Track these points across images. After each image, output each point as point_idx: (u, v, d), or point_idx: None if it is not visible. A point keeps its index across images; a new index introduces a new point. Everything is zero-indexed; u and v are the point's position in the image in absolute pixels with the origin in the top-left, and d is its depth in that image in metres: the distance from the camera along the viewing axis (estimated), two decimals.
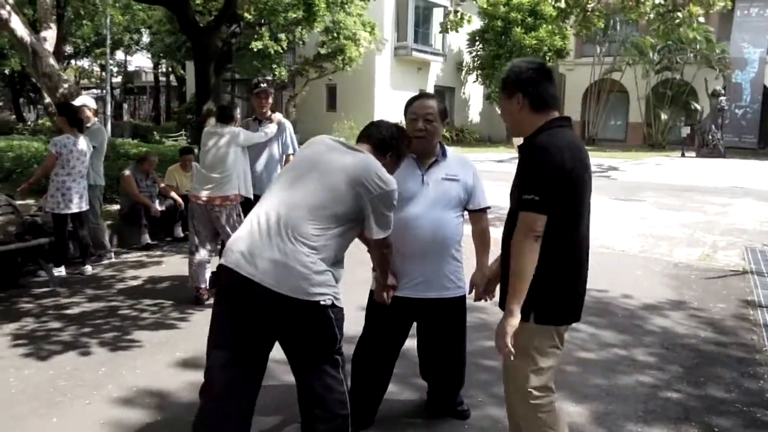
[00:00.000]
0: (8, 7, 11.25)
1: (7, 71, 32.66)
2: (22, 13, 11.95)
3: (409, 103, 3.22)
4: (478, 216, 3.30)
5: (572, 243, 2.47)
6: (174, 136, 26.18)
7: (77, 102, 7.39)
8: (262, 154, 5.96)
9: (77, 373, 3.98)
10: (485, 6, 29.58)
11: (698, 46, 29.36)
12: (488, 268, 3.16)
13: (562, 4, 12.18)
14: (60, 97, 11.22)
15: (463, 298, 3.30)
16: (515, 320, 2.36)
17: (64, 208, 6.35)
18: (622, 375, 4.13)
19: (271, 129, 5.87)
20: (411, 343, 3.60)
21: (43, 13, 12.88)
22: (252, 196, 5.70)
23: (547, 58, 29.67)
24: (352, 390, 3.28)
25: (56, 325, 4.90)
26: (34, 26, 13.26)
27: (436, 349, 3.37)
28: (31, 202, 8.73)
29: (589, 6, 12.14)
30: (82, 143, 6.49)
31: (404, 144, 2.93)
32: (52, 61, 11.62)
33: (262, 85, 6.06)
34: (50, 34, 12.50)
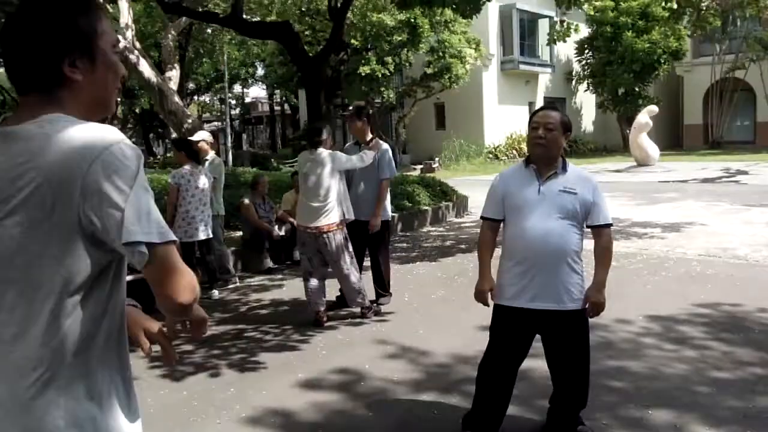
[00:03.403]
0: (136, 52, 12.18)
1: (138, 110, 35.16)
2: (148, 55, 12.86)
3: (533, 115, 3.27)
4: (598, 231, 3.27)
5: None
6: (290, 163, 27.11)
7: (195, 137, 7.84)
8: (365, 178, 6.04)
9: (208, 394, 4.20)
10: (592, 13, 28.80)
11: None
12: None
13: (674, 5, 11.68)
14: (185, 131, 11.97)
15: (582, 312, 3.24)
16: None
17: (190, 237, 6.74)
18: (762, 396, 3.84)
19: (368, 156, 5.80)
20: (532, 364, 3.54)
21: (167, 55, 13.83)
22: (353, 217, 5.77)
23: (662, 61, 28.50)
24: (475, 408, 3.28)
25: (188, 347, 5.18)
26: (159, 67, 14.24)
27: (558, 363, 3.33)
28: None
29: (703, 5, 11.56)
30: (201, 174, 6.87)
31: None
32: (176, 99, 12.44)
33: (350, 108, 6.13)
34: (174, 74, 13.41)
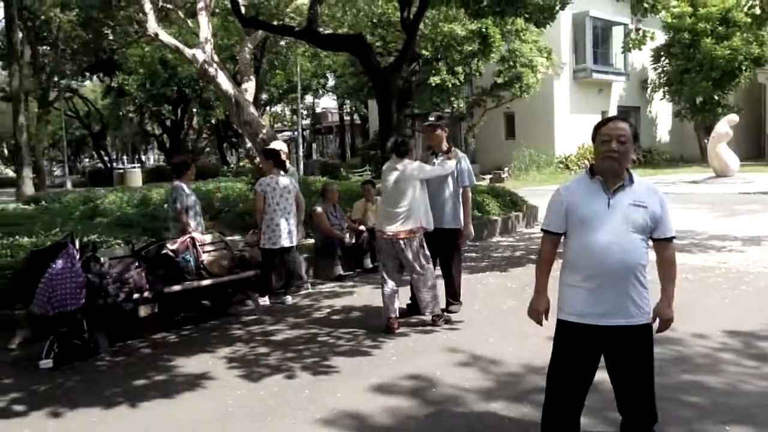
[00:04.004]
0: (215, 65, 12.62)
1: (213, 121, 36.31)
2: (224, 67, 13.29)
3: (601, 125, 3.19)
4: (663, 245, 3.19)
5: None
6: (359, 172, 27.51)
7: (271, 146, 8.11)
8: (441, 187, 6.12)
9: (283, 395, 4.35)
10: (669, 20, 28.08)
11: None
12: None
13: (757, 10, 11.29)
14: (260, 142, 12.31)
15: (649, 326, 3.18)
16: None
17: (273, 244, 6.97)
18: None
19: (449, 164, 5.98)
20: (603, 376, 3.51)
21: (243, 67, 14.26)
22: (432, 228, 5.87)
23: (743, 68, 27.49)
24: (546, 422, 3.30)
25: (264, 350, 5.38)
26: (235, 79, 14.68)
27: (624, 379, 3.25)
28: (236, 237, 9.63)
29: None
30: (285, 181, 7.10)
31: None
32: (252, 109, 12.81)
33: (430, 118, 6.27)
34: (250, 86, 13.80)
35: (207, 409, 4.17)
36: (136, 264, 6.00)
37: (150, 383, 4.71)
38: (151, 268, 6.07)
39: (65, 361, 5.25)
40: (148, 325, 6.16)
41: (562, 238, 3.26)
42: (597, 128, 3.19)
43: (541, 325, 3.32)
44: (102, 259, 5.84)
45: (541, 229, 3.33)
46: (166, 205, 12.94)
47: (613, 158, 3.06)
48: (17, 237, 7.50)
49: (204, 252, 6.61)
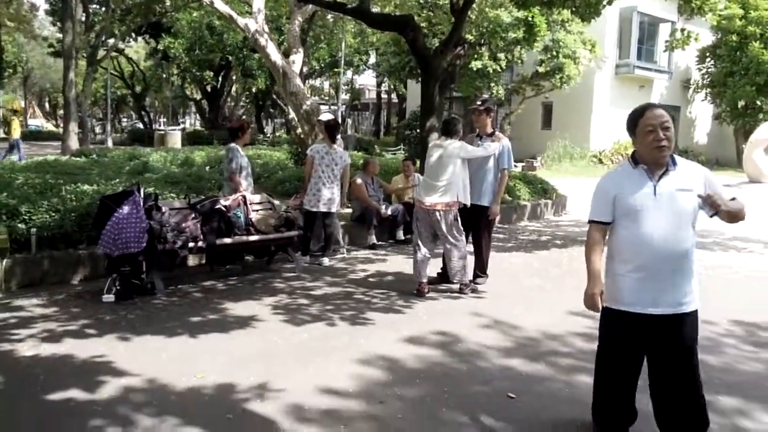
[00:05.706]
0: (266, 35, 13.10)
1: (253, 89, 36.88)
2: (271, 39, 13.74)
3: (639, 115, 3.11)
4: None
5: None
6: (393, 150, 27.91)
7: (322, 118, 8.58)
8: (482, 166, 6.55)
9: (325, 339, 4.88)
10: (717, 21, 27.81)
11: None
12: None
13: None
14: (303, 113, 12.82)
15: (696, 313, 3.20)
16: None
17: (313, 207, 7.49)
18: None
19: (493, 146, 6.41)
20: None
21: (292, 40, 14.71)
22: (469, 204, 6.32)
23: None
24: (597, 405, 3.41)
25: (305, 301, 5.92)
26: (281, 50, 15.12)
27: (667, 369, 3.22)
28: (276, 202, 10.16)
29: None
30: (335, 153, 7.61)
31: None
32: (298, 81, 13.28)
33: (477, 102, 6.69)
34: (298, 58, 14.26)
35: (258, 345, 4.71)
36: (193, 216, 6.54)
37: (205, 320, 5.27)
38: (205, 221, 6.61)
39: (125, 298, 5.84)
40: (195, 273, 6.74)
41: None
42: (635, 118, 3.12)
43: (598, 311, 3.23)
44: (163, 209, 6.40)
45: (589, 220, 3.29)
46: (208, 168, 13.55)
47: (664, 147, 3.02)
48: (79, 184, 8.05)
49: (253, 210, 7.13)
